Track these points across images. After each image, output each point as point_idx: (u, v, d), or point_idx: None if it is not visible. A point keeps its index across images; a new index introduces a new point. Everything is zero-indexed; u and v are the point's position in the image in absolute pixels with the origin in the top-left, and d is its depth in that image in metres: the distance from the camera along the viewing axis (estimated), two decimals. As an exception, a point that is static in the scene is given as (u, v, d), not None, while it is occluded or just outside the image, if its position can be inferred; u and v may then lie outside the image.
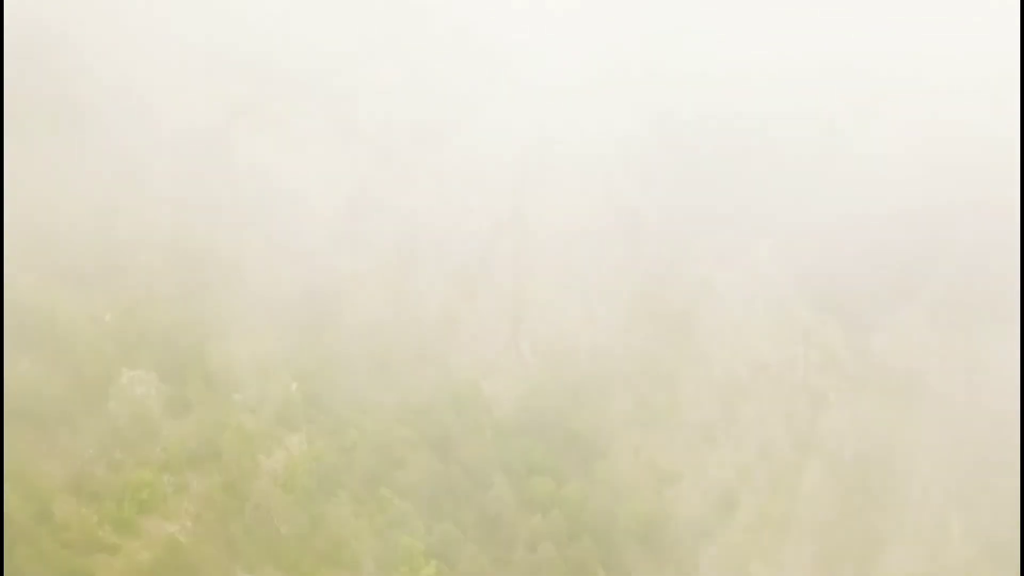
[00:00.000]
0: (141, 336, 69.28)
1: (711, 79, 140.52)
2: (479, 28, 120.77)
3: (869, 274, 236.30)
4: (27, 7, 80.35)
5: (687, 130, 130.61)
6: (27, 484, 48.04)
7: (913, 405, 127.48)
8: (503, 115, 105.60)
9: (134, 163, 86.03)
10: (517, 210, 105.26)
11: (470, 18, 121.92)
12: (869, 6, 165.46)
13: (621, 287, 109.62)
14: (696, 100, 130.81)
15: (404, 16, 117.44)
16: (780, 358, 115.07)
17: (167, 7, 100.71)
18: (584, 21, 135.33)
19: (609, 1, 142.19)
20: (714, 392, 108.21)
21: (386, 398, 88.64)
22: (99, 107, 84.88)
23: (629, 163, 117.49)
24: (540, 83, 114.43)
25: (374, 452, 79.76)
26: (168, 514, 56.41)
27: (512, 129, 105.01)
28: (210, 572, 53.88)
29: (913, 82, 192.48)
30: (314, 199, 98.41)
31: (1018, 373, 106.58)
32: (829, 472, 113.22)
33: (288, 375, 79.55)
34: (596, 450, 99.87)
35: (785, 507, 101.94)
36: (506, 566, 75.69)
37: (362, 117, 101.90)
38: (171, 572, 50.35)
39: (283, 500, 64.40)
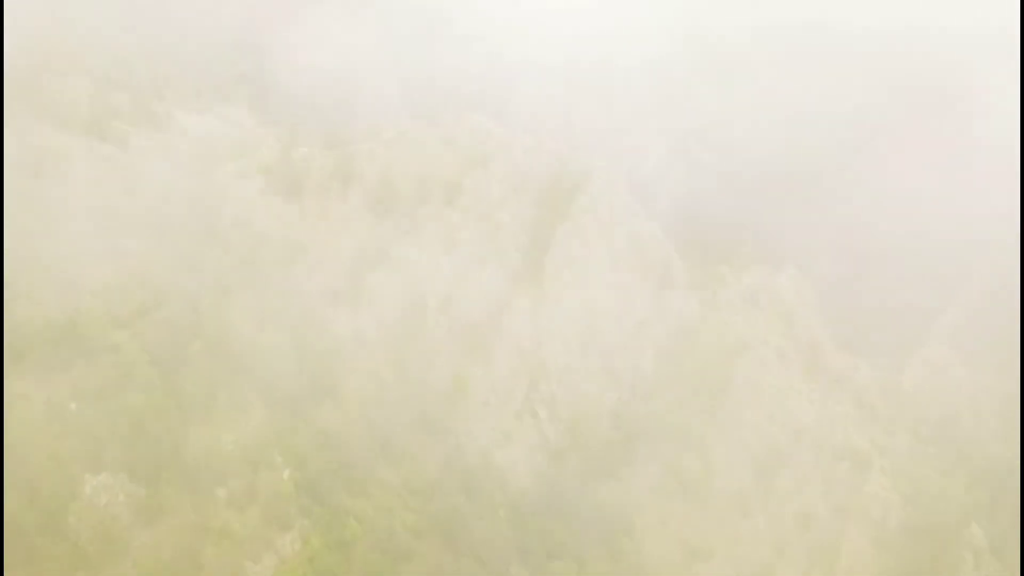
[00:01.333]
0: (110, 428, 60.60)
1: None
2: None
3: (890, 301, 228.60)
4: None
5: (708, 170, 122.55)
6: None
7: (948, 453, 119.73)
8: (516, 164, 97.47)
9: (105, 215, 78.36)
10: (533, 262, 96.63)
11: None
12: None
13: (645, 344, 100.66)
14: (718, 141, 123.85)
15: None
16: (818, 417, 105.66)
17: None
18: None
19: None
20: (748, 458, 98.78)
21: (390, 477, 79.91)
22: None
23: (651, 206, 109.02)
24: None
25: (376, 546, 71.08)
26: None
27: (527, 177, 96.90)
28: None
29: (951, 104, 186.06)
30: (311, 253, 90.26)
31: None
32: (873, 542, 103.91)
33: (279, 460, 70.88)
34: (621, 525, 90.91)
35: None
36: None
37: (363, 165, 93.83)
38: None
39: (273, 614, 55.63)
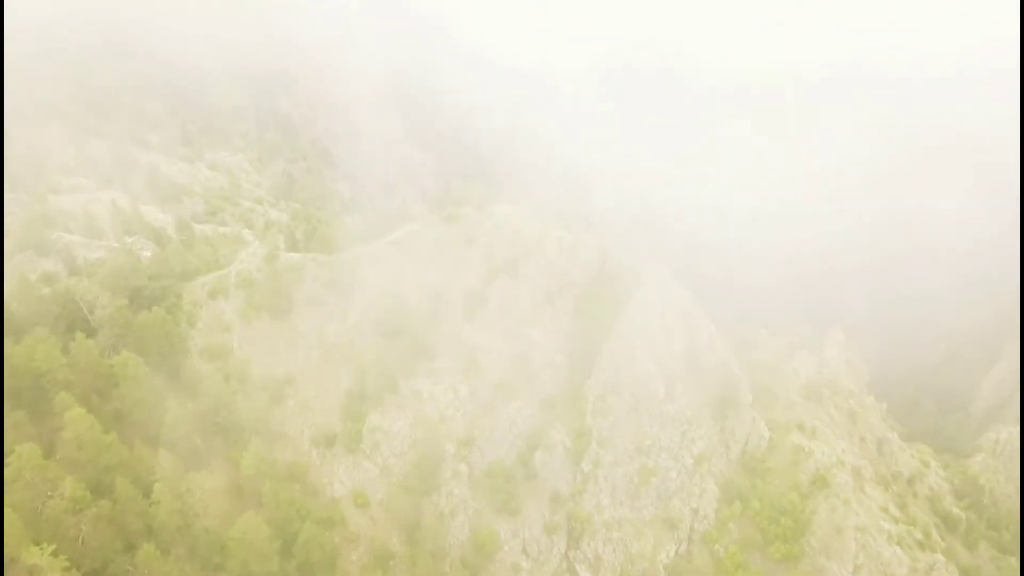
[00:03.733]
0: None
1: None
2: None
3: (947, 376, 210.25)
4: None
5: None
6: None
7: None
8: (551, 266, 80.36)
9: None
10: (573, 388, 78.94)
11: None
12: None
13: (707, 479, 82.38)
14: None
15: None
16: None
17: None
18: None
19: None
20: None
21: None
22: None
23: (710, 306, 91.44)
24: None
25: None
26: None
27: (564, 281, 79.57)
28: None
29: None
30: (300, 387, 72.79)
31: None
32: None
33: None
34: None
35: None
36: None
37: (365, 273, 76.93)
38: None
39: None
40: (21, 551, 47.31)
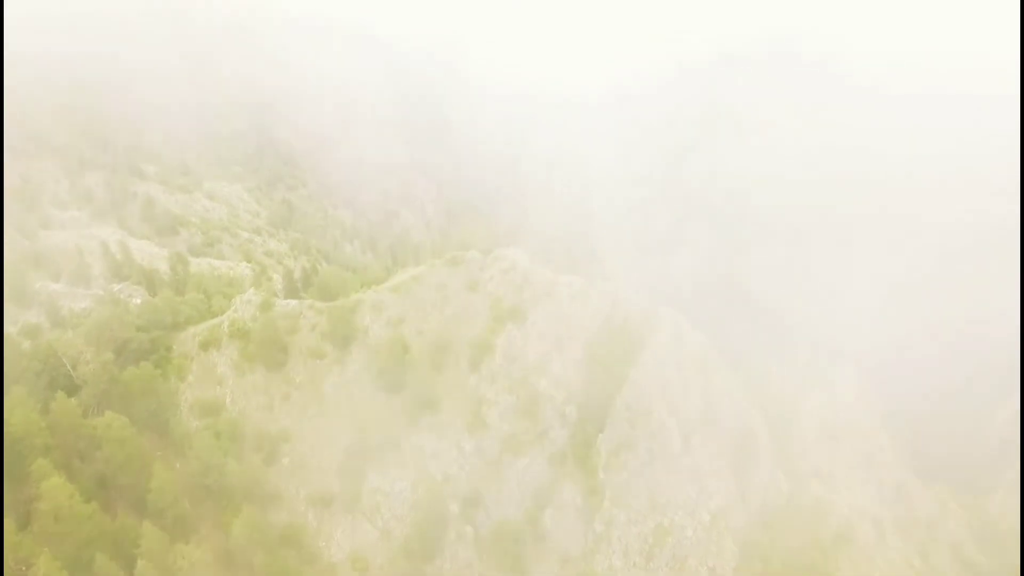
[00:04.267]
0: None
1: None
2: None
3: (961, 404, 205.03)
4: None
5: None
6: None
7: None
8: (561, 314, 76.39)
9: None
10: (584, 443, 74.64)
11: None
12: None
13: (724, 538, 77.85)
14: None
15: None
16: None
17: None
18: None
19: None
20: None
21: None
22: None
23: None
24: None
25: None
26: None
27: (575, 330, 75.52)
28: None
29: None
30: (296, 444, 68.68)
31: None
32: None
33: None
34: None
35: None
36: None
37: (366, 321, 72.90)
38: None
39: None
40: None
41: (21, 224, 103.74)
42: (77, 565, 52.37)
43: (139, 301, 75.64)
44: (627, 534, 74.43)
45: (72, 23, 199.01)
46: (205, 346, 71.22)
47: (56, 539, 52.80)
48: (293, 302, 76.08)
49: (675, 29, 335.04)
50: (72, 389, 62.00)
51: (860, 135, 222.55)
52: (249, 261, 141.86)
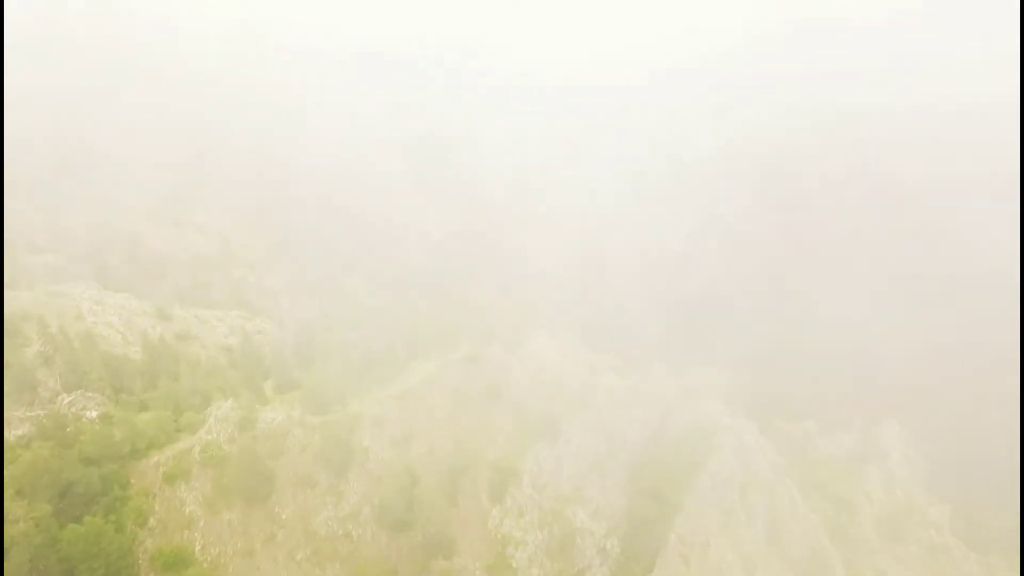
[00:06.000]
0: None
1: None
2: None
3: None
4: None
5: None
6: None
7: None
8: (603, 427, 63.28)
9: None
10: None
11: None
12: None
13: None
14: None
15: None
16: None
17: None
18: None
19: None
20: None
21: None
22: None
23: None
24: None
25: None
26: None
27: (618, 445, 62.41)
28: None
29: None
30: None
31: None
32: None
33: None
34: None
35: None
36: None
37: (363, 440, 60.00)
38: None
39: None
40: None
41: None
42: None
43: (94, 415, 62.84)
44: None
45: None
46: (171, 479, 58.48)
47: None
48: (279, 416, 63.06)
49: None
50: (-3, 556, 49.37)
51: None
52: (241, 309, 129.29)
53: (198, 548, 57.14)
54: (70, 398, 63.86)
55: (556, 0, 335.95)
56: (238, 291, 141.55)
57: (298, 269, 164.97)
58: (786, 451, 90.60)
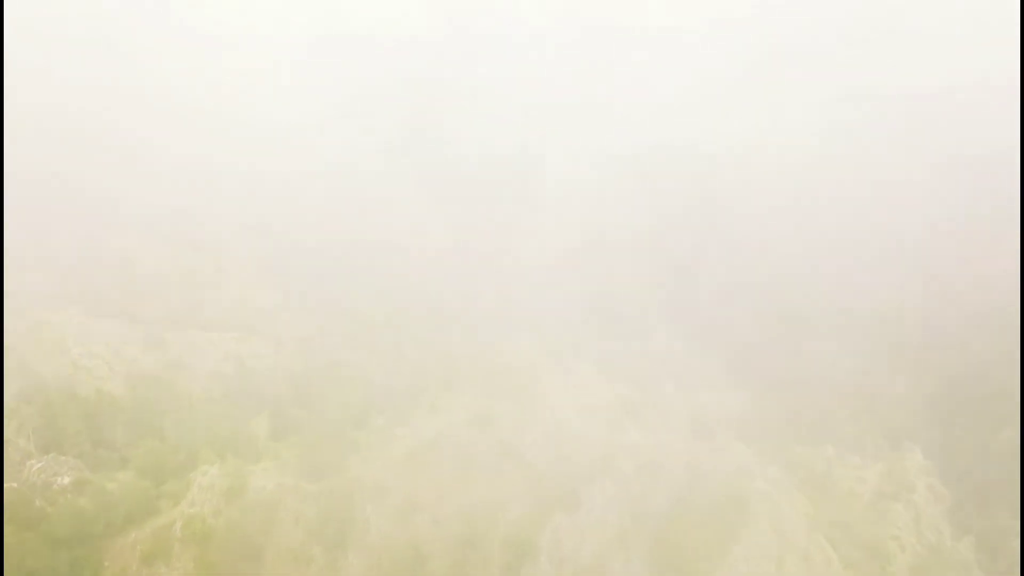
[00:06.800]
0: None
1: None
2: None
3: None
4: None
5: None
6: None
7: None
8: (625, 489, 57.35)
9: None
10: None
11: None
12: None
13: None
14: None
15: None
16: None
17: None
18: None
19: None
20: None
21: None
22: None
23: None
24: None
25: None
26: None
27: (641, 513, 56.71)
28: None
29: None
30: None
31: None
32: None
33: None
34: None
35: None
36: None
37: (366, 515, 54.40)
38: None
39: None
40: None
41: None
42: None
43: (67, 481, 57.05)
44: None
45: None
46: (149, 559, 52.74)
47: None
48: (270, 484, 57.26)
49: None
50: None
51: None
52: (236, 331, 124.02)
53: (179, 638, 51.50)
54: (40, 464, 58.01)
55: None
56: (233, 314, 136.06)
57: (295, 284, 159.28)
58: (808, 485, 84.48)
